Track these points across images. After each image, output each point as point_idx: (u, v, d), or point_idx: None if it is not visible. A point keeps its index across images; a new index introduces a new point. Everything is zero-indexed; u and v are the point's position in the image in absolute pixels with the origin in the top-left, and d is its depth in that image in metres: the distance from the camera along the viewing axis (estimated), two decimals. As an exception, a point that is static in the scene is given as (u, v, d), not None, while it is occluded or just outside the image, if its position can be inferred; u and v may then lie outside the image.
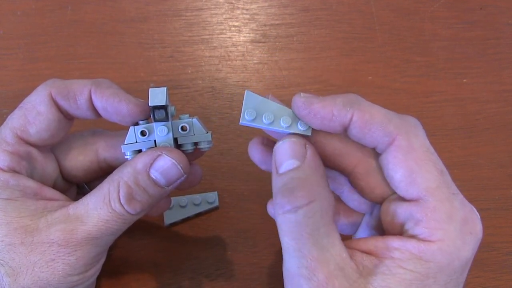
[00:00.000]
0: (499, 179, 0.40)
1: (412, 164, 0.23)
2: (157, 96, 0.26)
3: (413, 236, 0.23)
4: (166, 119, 0.27)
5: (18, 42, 0.42)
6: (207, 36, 0.44)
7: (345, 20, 0.45)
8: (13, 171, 0.27)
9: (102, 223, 0.26)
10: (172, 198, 0.36)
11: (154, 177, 0.26)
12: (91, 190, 0.32)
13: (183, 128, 0.28)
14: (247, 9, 0.45)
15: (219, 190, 0.38)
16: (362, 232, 0.29)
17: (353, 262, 0.22)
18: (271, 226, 0.38)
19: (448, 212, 0.22)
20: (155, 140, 0.28)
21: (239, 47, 0.43)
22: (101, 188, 0.26)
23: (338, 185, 0.29)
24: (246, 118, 0.25)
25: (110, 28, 0.43)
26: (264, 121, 0.25)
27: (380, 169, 0.25)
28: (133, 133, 0.27)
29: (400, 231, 0.24)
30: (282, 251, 0.23)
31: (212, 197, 0.37)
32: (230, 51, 0.43)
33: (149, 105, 0.26)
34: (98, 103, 0.27)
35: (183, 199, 0.37)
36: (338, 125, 0.23)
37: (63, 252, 0.25)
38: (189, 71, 0.42)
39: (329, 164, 0.26)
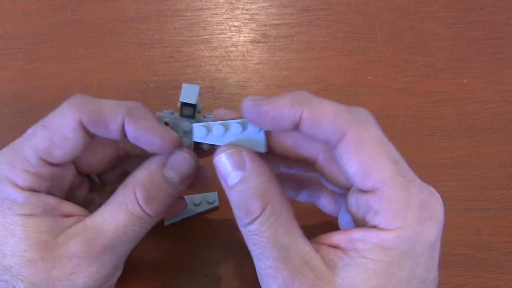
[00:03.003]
0: (499, 179, 0.40)
1: (364, 158, 0.23)
2: (189, 94, 0.26)
3: (373, 227, 0.23)
4: (192, 116, 0.28)
5: (18, 42, 0.42)
6: (207, 36, 0.44)
7: (345, 20, 0.45)
8: (33, 190, 0.26)
9: (120, 230, 0.25)
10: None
11: (168, 175, 0.26)
12: (101, 182, 0.33)
13: None
14: (247, 9, 0.45)
15: (219, 190, 0.38)
16: (343, 214, 0.29)
17: (319, 255, 0.23)
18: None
19: (405, 200, 0.22)
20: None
21: (239, 47, 0.43)
22: (115, 196, 0.26)
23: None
24: (197, 136, 0.27)
25: (110, 28, 0.43)
26: (215, 133, 0.26)
27: None
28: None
29: (364, 222, 0.24)
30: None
31: (212, 197, 0.37)
32: (230, 51, 0.43)
33: (180, 100, 0.26)
34: (131, 133, 0.26)
35: (183, 199, 0.37)
36: (289, 124, 0.23)
37: (84, 264, 0.25)
38: (189, 71, 0.42)
39: (292, 155, 0.27)
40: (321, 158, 0.27)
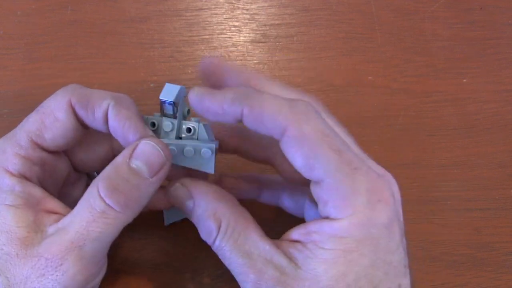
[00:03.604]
0: (499, 179, 0.40)
1: (306, 151, 0.23)
2: (169, 92, 0.26)
3: (326, 217, 0.24)
4: (173, 116, 0.27)
5: (18, 42, 0.42)
6: (207, 36, 0.44)
7: (345, 20, 0.45)
8: (23, 176, 0.26)
9: (83, 228, 0.24)
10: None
11: (135, 166, 0.25)
12: None
13: (188, 130, 0.28)
14: (247, 9, 0.45)
15: (219, 190, 0.38)
16: (307, 214, 0.30)
17: (281, 251, 0.24)
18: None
19: (351, 188, 0.23)
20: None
21: (239, 47, 0.43)
22: (85, 193, 0.25)
23: None
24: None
25: (110, 28, 0.43)
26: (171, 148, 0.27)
27: None
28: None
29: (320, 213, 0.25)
30: None
31: (212, 197, 0.37)
32: (230, 51, 0.43)
33: (159, 97, 0.26)
34: (111, 122, 0.26)
35: (183, 199, 0.37)
36: (231, 119, 0.24)
37: (50, 267, 0.24)
38: (189, 71, 0.42)
39: (255, 156, 0.29)
40: (277, 157, 0.28)
